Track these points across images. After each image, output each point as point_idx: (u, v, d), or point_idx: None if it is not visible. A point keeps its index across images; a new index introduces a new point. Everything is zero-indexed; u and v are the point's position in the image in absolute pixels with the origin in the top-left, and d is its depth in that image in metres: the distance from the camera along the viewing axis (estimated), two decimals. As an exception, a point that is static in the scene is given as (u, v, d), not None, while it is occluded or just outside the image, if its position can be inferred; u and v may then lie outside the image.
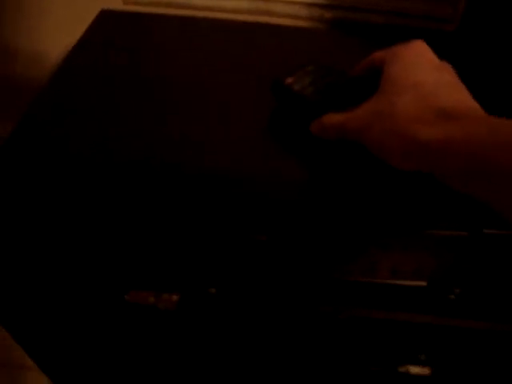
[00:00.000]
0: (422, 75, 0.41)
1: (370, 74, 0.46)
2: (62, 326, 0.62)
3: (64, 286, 0.55)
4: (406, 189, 0.45)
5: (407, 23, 0.80)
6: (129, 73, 0.60)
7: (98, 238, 0.47)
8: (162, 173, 0.47)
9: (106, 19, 0.68)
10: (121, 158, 0.49)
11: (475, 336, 0.54)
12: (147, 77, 0.59)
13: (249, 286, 0.51)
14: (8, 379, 1.13)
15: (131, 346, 0.64)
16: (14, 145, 0.51)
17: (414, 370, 0.62)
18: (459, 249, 0.45)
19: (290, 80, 0.49)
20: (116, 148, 0.50)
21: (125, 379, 0.74)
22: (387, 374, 0.61)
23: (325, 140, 0.48)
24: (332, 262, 0.48)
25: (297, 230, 0.44)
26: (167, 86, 0.57)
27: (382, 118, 0.40)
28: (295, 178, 0.48)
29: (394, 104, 0.40)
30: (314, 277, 0.49)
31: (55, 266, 0.52)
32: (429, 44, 0.45)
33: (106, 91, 0.57)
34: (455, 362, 0.59)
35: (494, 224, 0.43)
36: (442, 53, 0.44)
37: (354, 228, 0.44)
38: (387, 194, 0.45)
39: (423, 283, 0.48)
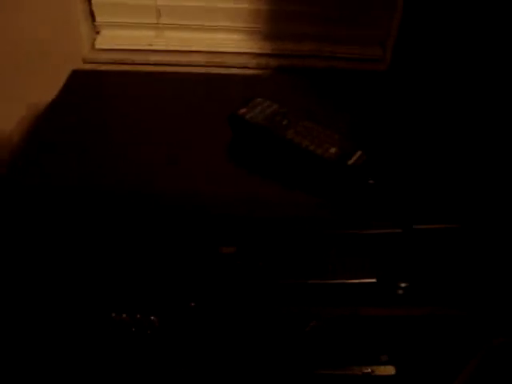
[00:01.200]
0: None
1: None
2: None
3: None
4: (346, 196, 0.53)
5: (345, 66, 0.91)
6: (102, 122, 0.67)
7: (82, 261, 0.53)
8: (137, 197, 0.54)
9: (75, 79, 0.76)
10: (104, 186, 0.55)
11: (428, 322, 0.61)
12: (120, 124, 0.66)
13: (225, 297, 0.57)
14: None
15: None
16: None
17: (379, 370, 0.67)
18: (397, 244, 0.52)
19: (242, 111, 0.58)
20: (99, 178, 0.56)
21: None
22: (354, 376, 0.66)
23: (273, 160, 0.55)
24: (291, 268, 0.54)
25: (254, 239, 0.51)
26: (137, 129, 0.65)
27: None
28: (254, 193, 0.54)
29: None
30: (273, 281, 0.55)
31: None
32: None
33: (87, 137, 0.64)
34: (416, 355, 0.65)
35: (423, 220, 0.51)
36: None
37: (308, 232, 0.51)
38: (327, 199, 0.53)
39: (373, 279, 0.55)
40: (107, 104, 0.70)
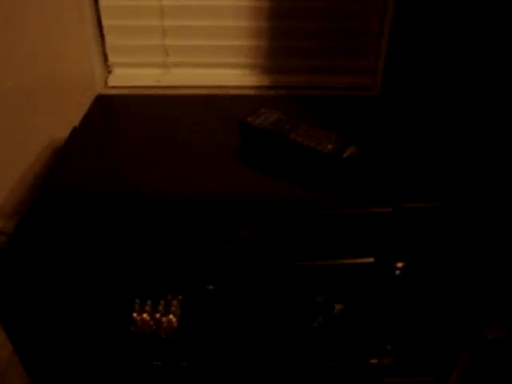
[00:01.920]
0: None
1: None
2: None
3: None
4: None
5: (339, 93, 0.99)
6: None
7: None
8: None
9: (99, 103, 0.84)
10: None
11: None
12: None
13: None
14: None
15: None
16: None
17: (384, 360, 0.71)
18: (389, 223, 0.58)
19: (250, 119, 0.66)
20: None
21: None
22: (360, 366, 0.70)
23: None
24: (299, 250, 0.60)
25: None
26: (158, 144, 0.72)
27: None
28: (264, 186, 0.61)
29: None
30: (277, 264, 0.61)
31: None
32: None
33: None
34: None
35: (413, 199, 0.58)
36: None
37: (311, 215, 0.57)
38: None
39: (371, 259, 0.60)
40: (124, 124, 0.78)
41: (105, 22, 0.96)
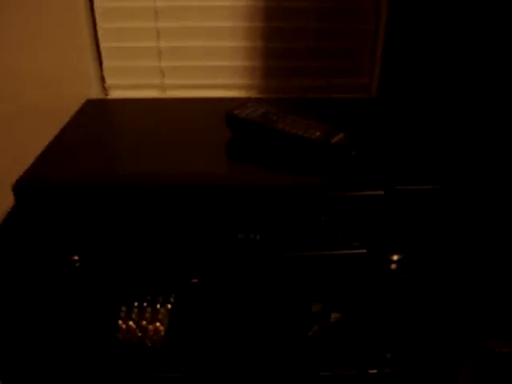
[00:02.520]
0: None
1: None
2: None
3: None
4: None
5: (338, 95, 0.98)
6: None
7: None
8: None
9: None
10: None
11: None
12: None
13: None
14: None
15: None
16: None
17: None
18: (381, 207, 0.55)
19: (237, 111, 0.65)
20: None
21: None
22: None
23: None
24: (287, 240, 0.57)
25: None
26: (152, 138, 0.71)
27: None
28: (250, 172, 0.60)
29: None
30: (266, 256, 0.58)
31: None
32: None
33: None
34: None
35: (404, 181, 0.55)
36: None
37: (298, 198, 0.55)
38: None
39: (363, 250, 0.57)
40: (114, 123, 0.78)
41: (102, 45, 0.97)
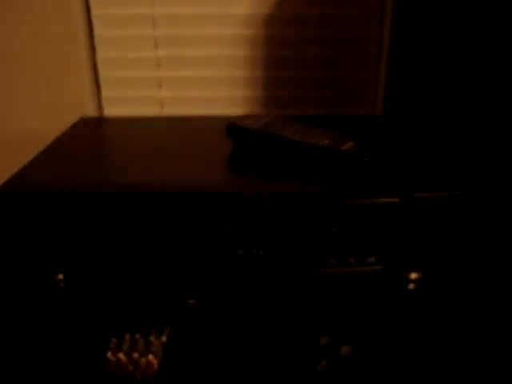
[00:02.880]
0: None
1: None
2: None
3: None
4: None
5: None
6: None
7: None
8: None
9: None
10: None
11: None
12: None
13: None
14: None
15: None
16: None
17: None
18: (397, 217, 0.50)
19: (239, 122, 0.62)
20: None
21: None
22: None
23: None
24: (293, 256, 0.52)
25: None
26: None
27: None
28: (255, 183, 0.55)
29: None
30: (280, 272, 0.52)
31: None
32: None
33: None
34: None
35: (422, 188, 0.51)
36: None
37: (307, 206, 0.50)
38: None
39: (378, 267, 0.52)
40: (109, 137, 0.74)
41: (102, 73, 0.96)
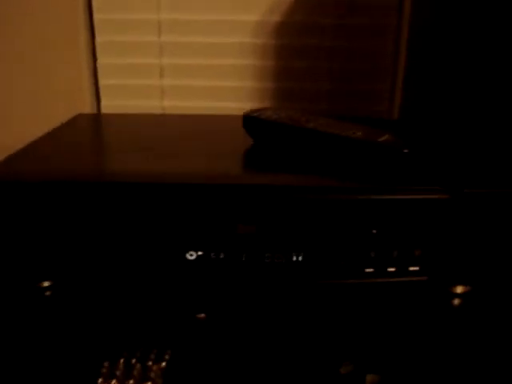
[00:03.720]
0: None
1: None
2: None
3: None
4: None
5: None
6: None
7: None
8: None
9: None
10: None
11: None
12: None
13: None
14: None
15: None
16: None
17: None
18: (442, 214, 0.43)
19: (256, 114, 0.54)
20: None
21: None
22: None
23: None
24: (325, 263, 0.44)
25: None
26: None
27: None
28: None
29: None
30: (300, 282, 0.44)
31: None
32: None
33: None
34: None
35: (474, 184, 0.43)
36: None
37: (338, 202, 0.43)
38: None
39: (423, 278, 0.44)
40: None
41: (102, 82, 0.90)
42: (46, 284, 0.46)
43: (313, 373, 0.47)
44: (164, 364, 0.51)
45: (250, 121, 0.54)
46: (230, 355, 0.47)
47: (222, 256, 0.43)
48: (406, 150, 0.45)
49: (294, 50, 0.88)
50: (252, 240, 0.42)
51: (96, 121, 0.74)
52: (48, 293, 0.45)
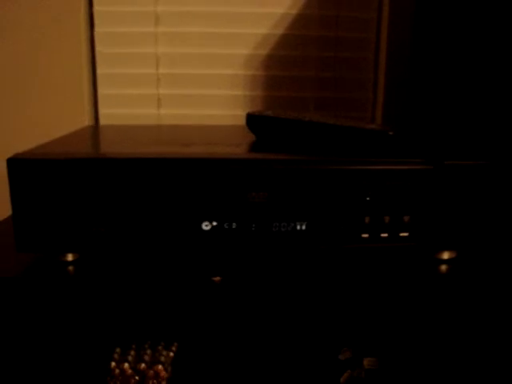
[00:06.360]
0: None
1: None
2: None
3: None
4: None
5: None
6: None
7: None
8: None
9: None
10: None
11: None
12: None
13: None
14: None
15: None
16: None
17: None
18: (427, 184, 0.49)
19: (258, 113, 0.61)
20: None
21: None
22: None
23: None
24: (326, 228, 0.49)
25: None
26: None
27: None
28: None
29: None
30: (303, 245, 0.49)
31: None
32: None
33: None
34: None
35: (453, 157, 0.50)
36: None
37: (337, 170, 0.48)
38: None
39: (412, 243, 0.49)
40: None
41: (100, 91, 0.95)
42: (69, 258, 0.50)
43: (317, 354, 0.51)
44: (172, 354, 0.54)
45: (253, 118, 0.60)
46: (232, 342, 0.51)
47: (234, 226, 0.47)
48: (391, 133, 0.51)
49: (283, 61, 0.94)
50: (261, 209, 0.47)
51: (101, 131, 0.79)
52: (71, 267, 0.49)
